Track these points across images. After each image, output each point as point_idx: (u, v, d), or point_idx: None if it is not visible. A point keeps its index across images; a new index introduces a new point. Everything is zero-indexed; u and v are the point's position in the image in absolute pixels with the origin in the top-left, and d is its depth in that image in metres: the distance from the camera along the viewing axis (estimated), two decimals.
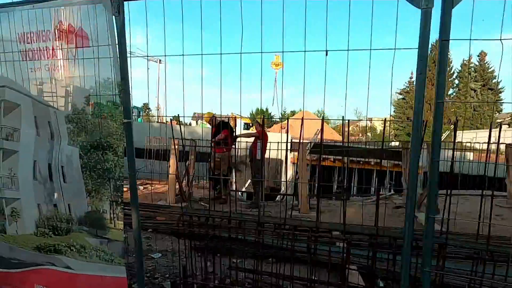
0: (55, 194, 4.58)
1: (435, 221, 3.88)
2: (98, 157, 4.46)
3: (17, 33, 4.24)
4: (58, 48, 4.05)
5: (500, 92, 62.67)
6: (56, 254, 4.72)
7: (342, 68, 3.63)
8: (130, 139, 4.30)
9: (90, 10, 3.94)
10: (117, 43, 4.00)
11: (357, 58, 3.69)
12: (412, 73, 57.99)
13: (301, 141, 6.04)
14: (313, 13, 4.16)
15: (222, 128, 9.52)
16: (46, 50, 4.10)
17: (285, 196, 14.51)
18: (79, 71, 4.11)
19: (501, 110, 61.79)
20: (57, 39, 4.02)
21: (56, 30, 4.03)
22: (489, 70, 59.16)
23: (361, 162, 26.96)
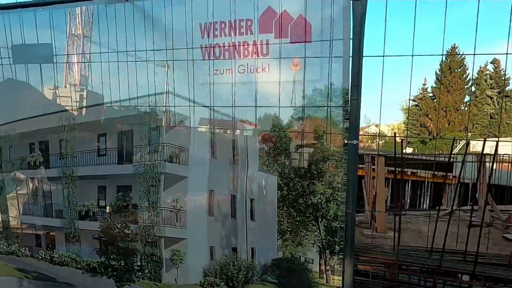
0: (238, 235, 3.68)
1: None
2: (302, 189, 3.54)
3: (199, 24, 3.35)
4: (263, 43, 3.16)
5: None
6: None
7: None
8: (354, 167, 3.37)
9: None
10: (351, 38, 3.07)
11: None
12: (425, 80, 57.52)
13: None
14: None
15: None
16: (244, 46, 3.23)
17: None
18: (290, 75, 3.19)
19: None
20: (263, 31, 3.11)
21: (262, 19, 3.12)
22: (505, 77, 58.56)
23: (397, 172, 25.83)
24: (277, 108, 3.72)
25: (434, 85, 59.41)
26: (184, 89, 4.12)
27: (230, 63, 3.73)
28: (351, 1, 3.32)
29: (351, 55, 3.43)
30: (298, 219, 3.76)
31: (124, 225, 4.26)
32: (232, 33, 3.66)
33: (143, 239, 4.20)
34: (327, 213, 3.63)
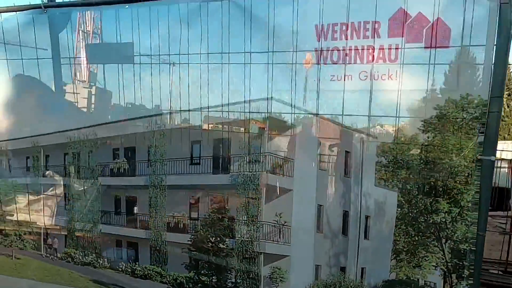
0: (348, 254, 3.48)
1: None
2: (424, 206, 3.33)
3: (315, 26, 3.17)
4: (391, 48, 2.95)
5: None
6: None
7: None
8: (488, 185, 3.15)
9: None
10: (495, 43, 2.86)
11: None
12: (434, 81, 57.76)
13: None
14: None
15: None
16: (368, 50, 3.05)
17: None
18: (420, 84, 2.99)
19: None
20: (392, 34, 2.90)
21: (391, 22, 2.90)
22: None
23: None
24: (407, 119, 3.51)
25: (443, 86, 59.63)
26: (288, 94, 3.92)
27: (350, 69, 3.51)
28: (499, 4, 3.09)
29: (493, 62, 3.21)
30: (417, 239, 3.54)
31: (218, 239, 4.07)
32: (355, 36, 3.44)
33: (239, 254, 4.01)
34: (452, 234, 3.39)
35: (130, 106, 4.62)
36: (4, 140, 5.14)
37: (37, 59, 5.19)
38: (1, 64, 5.29)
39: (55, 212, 4.91)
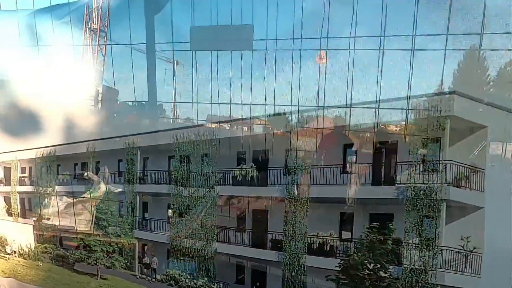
0: None
1: None
2: None
3: None
4: None
5: None
6: None
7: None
8: None
9: None
10: None
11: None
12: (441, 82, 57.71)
13: None
14: None
15: None
16: None
17: None
18: None
19: None
20: None
21: None
22: None
23: None
24: None
25: (451, 86, 60.40)
26: (474, 88, 3.19)
27: None
28: None
29: None
30: None
31: (379, 265, 3.35)
32: None
33: (407, 285, 3.28)
34: None
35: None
36: (91, 140, 4.47)
37: (131, 44, 4.54)
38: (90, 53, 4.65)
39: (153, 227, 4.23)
